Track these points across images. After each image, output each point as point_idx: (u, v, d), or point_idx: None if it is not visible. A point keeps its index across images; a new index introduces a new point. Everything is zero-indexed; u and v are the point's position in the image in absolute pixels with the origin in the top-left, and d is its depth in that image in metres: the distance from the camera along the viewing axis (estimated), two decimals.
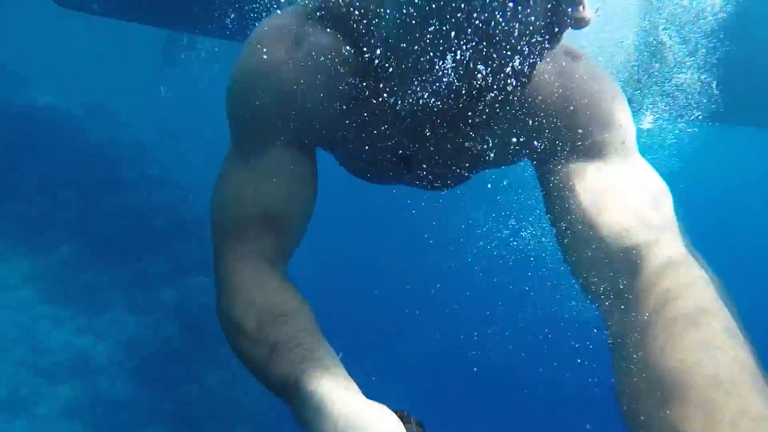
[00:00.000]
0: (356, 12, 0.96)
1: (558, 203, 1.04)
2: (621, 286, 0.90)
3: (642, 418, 0.73)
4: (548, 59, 1.00)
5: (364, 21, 0.95)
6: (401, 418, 0.75)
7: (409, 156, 1.13)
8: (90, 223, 6.03)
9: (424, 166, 1.15)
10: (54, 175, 6.31)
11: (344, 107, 1.03)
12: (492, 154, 1.10)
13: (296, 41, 0.99)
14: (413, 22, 0.83)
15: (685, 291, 0.80)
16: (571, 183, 1.02)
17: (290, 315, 0.89)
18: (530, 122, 1.03)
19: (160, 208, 6.60)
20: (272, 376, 0.83)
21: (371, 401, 0.72)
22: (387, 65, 0.93)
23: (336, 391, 0.73)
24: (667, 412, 0.69)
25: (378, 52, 0.93)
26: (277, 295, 0.94)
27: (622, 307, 0.88)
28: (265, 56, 0.99)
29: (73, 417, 4.48)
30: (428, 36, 0.82)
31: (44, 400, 4.52)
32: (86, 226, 5.99)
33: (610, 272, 0.93)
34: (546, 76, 1.01)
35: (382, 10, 0.89)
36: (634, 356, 0.79)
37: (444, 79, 0.88)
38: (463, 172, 1.18)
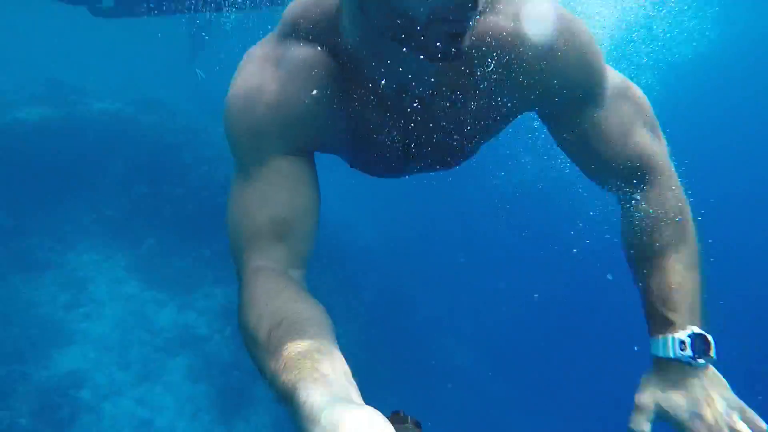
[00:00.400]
0: (323, 23, 1.08)
1: (566, 146, 1.24)
2: (631, 191, 1.25)
3: (632, 251, 1.25)
4: (500, 6, 1.05)
5: (329, 26, 1.08)
6: (398, 418, 0.72)
7: (408, 144, 1.20)
8: (166, 212, 6.63)
9: (425, 150, 1.21)
10: (126, 174, 6.91)
11: (334, 109, 1.12)
12: (484, 116, 1.16)
13: (278, 62, 1.09)
14: (366, 27, 0.98)
15: (668, 204, 1.23)
16: (573, 133, 1.19)
17: (300, 324, 0.87)
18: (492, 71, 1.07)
19: (221, 185, 7.10)
20: (278, 386, 0.80)
21: (364, 407, 0.67)
22: (359, 64, 1.07)
23: (326, 398, 0.69)
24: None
25: (347, 51, 1.07)
26: (288, 304, 0.93)
27: (632, 198, 1.25)
28: (252, 80, 1.09)
29: (195, 380, 5.21)
30: (384, 38, 0.94)
31: (168, 370, 5.26)
32: (164, 215, 6.59)
33: (624, 184, 1.25)
34: (499, 23, 1.04)
35: (344, 19, 1.04)
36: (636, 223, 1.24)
37: (407, 65, 1.01)
38: (465, 146, 1.25)
